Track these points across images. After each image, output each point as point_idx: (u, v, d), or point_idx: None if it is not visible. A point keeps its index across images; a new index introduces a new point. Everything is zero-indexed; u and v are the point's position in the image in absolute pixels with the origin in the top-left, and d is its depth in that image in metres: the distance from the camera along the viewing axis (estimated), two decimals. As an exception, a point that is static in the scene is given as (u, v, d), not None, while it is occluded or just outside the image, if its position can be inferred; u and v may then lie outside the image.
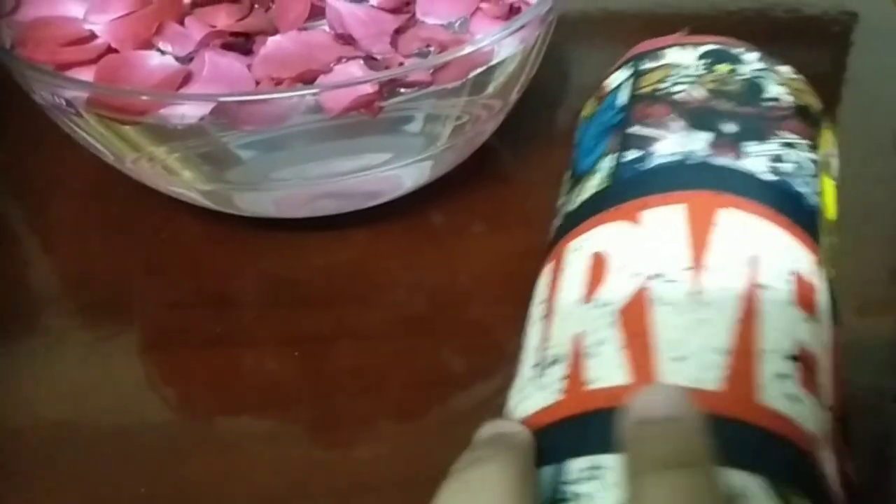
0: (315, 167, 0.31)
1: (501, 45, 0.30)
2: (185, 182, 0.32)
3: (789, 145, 0.19)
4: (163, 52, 0.31)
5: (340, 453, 0.28)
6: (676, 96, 0.20)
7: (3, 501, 0.27)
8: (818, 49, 0.48)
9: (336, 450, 0.28)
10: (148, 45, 0.31)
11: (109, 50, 0.31)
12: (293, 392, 0.30)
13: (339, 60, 0.30)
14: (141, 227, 0.36)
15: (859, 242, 0.36)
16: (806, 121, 0.19)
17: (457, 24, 0.33)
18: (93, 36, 0.31)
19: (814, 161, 0.19)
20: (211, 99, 0.28)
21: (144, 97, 0.28)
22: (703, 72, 0.21)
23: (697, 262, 0.17)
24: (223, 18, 0.32)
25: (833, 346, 0.16)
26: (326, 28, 0.32)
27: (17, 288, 0.34)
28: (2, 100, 0.38)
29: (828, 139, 0.20)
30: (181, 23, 0.32)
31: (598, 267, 0.18)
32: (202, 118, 0.28)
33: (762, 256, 0.16)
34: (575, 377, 0.17)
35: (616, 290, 0.17)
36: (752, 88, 0.20)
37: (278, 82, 0.29)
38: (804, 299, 0.16)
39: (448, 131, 0.32)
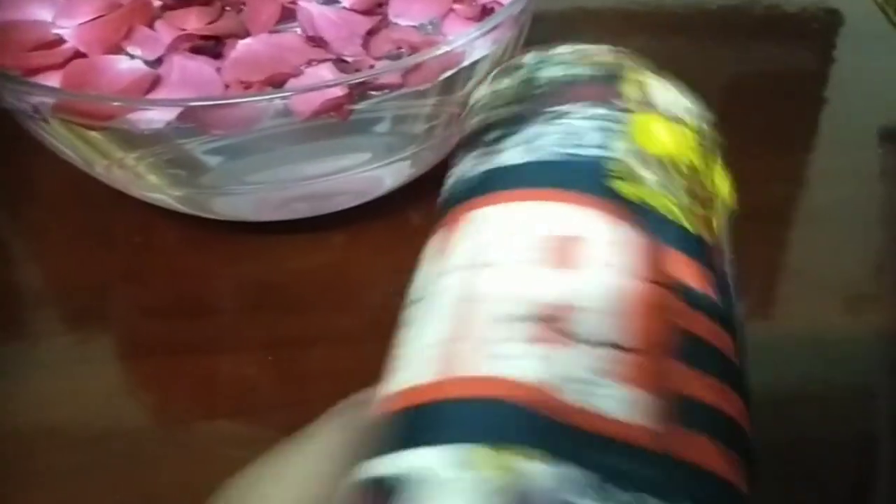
0: (286, 170, 0.31)
1: (473, 47, 0.30)
2: (156, 187, 0.31)
3: (558, 116, 0.19)
4: (132, 57, 0.31)
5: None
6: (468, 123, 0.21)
7: None
8: (799, 46, 0.48)
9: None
10: (117, 49, 0.31)
11: (77, 54, 0.31)
12: (269, 397, 0.30)
13: (309, 63, 0.30)
14: (117, 232, 0.36)
15: (843, 238, 0.36)
16: (594, 82, 0.20)
17: (429, 26, 0.33)
18: (61, 40, 0.31)
19: (604, 115, 0.19)
20: (178, 104, 0.27)
21: (110, 102, 0.28)
22: (489, 91, 0.21)
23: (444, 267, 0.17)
24: (193, 21, 0.32)
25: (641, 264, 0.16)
26: (298, 30, 0.32)
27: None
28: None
29: (640, 82, 0.20)
30: (151, 26, 0.32)
31: None
32: (170, 123, 0.28)
33: (495, 240, 0.17)
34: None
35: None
36: (525, 85, 0.20)
37: (248, 86, 0.29)
38: (559, 256, 0.16)
39: (420, 131, 0.31)
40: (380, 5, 0.33)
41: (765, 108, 0.43)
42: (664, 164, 0.18)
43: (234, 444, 0.28)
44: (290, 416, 0.29)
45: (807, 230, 0.37)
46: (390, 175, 0.33)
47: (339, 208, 0.34)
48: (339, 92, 0.28)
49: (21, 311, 0.33)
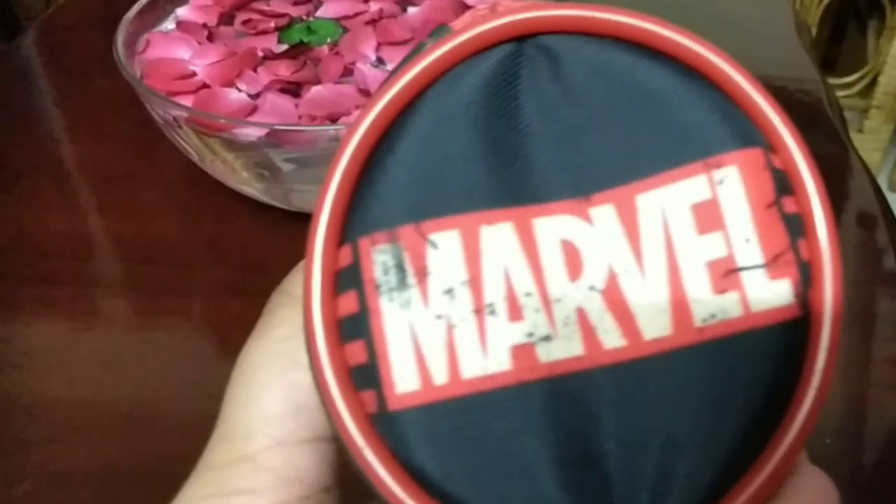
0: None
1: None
2: (246, 180, 0.45)
3: None
4: (239, 90, 0.45)
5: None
6: None
7: (32, 462, 0.37)
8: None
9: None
10: (230, 84, 0.45)
11: (204, 85, 0.45)
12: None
13: (357, 107, 0.44)
14: (209, 212, 0.50)
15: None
16: None
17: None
18: (193, 74, 0.46)
19: None
20: (266, 126, 0.41)
21: (223, 119, 0.42)
22: None
23: None
24: (283, 70, 0.46)
25: None
26: (353, 84, 0.46)
27: (92, 258, 0.48)
28: (109, 113, 0.52)
29: None
30: (255, 70, 0.46)
31: None
32: (259, 137, 0.42)
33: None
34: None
35: None
36: None
37: (313, 118, 0.43)
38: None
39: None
40: (414, 70, 0.47)
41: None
42: None
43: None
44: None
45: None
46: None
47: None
48: (373, 129, 0.41)
49: (111, 267, 0.47)
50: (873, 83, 1.37)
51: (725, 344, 0.17)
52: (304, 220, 0.47)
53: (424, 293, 0.17)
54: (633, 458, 0.17)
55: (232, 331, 0.43)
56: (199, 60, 0.46)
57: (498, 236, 0.17)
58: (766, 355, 0.17)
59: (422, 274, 0.17)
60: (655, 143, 0.18)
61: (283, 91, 0.45)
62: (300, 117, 0.43)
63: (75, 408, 0.39)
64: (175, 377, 0.41)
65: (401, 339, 0.17)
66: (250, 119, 0.43)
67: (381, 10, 0.50)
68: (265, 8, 0.50)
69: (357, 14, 0.49)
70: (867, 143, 1.43)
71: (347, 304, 0.17)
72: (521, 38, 0.18)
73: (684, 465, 0.16)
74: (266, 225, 0.48)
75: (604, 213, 0.17)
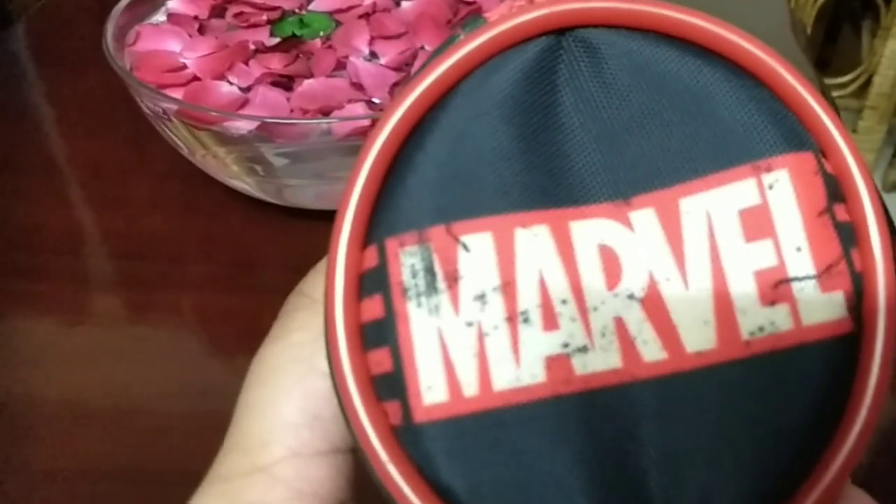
0: (326, 172, 0.44)
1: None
2: (237, 175, 0.45)
3: None
4: (231, 83, 0.45)
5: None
6: None
7: (16, 460, 0.36)
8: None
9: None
10: (221, 77, 0.45)
11: (195, 78, 0.44)
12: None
13: (350, 101, 0.43)
14: (200, 206, 0.49)
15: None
16: None
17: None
18: (184, 67, 0.45)
19: None
20: (258, 119, 0.41)
21: (213, 112, 0.41)
22: None
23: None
24: (275, 63, 0.45)
25: None
26: (346, 77, 0.46)
27: (80, 253, 0.48)
28: (101, 106, 0.52)
29: None
30: (246, 63, 0.46)
31: None
32: (251, 131, 0.41)
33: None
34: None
35: None
36: None
37: (305, 112, 0.42)
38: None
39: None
40: (408, 64, 0.46)
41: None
42: None
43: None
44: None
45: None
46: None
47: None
48: (365, 123, 0.41)
49: (102, 263, 0.46)
50: (867, 83, 1.37)
51: (774, 359, 0.16)
52: (296, 216, 0.47)
53: (455, 299, 0.16)
54: (673, 478, 0.16)
55: (222, 327, 0.42)
56: (189, 53, 0.46)
57: (533, 240, 0.16)
58: (817, 372, 0.16)
59: (452, 278, 0.16)
60: (701, 144, 0.17)
61: (275, 85, 0.44)
62: (292, 111, 0.43)
63: (61, 405, 0.39)
64: (164, 374, 0.41)
65: (429, 347, 0.16)
66: (241, 112, 0.43)
67: (374, 4, 0.49)
68: (257, 1, 0.49)
69: (350, 7, 0.49)
70: (861, 144, 1.43)
71: (372, 308, 0.16)
72: (560, 31, 0.17)
73: (728, 487, 0.16)
74: (258, 220, 0.48)
75: (645, 217, 0.17)
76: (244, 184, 0.46)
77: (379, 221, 0.17)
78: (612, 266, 0.17)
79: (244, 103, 0.43)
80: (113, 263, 0.47)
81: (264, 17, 0.48)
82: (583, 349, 0.16)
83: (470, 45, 0.17)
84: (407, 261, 0.16)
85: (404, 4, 0.50)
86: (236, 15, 0.49)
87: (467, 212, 0.16)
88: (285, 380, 0.18)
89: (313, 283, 0.19)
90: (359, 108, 0.43)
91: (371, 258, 0.17)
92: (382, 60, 0.46)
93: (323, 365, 0.17)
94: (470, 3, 0.50)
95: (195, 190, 0.49)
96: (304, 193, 0.46)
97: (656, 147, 0.17)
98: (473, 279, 0.16)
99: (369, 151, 0.17)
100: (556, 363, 0.16)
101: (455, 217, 0.16)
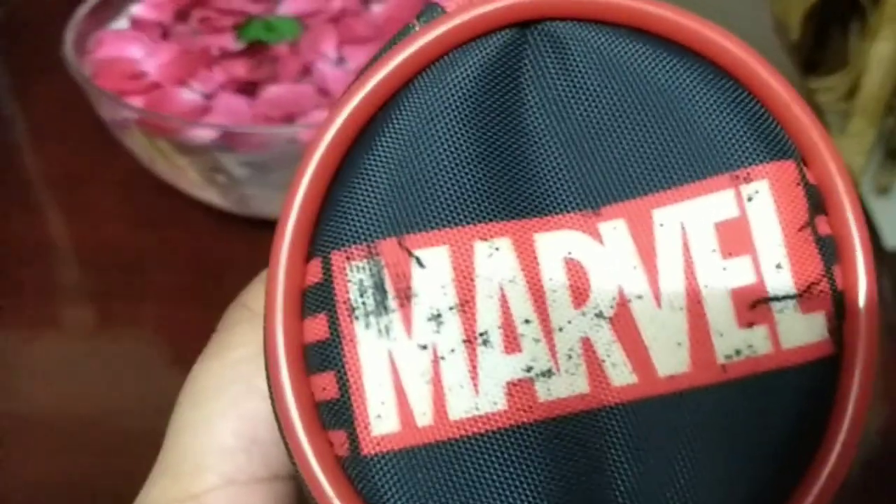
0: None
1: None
2: (199, 185, 0.43)
3: None
4: (193, 91, 0.43)
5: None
6: None
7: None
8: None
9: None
10: (184, 84, 0.43)
11: (156, 85, 0.43)
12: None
13: (316, 107, 0.42)
14: (160, 216, 0.48)
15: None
16: None
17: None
18: (145, 74, 0.44)
19: None
20: (219, 127, 0.39)
21: (174, 121, 0.40)
22: None
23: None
24: (240, 69, 0.44)
25: None
26: (313, 83, 0.44)
27: (40, 263, 0.46)
28: (66, 111, 0.50)
29: None
30: (210, 69, 0.44)
31: None
32: (213, 140, 0.40)
33: None
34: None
35: None
36: None
37: (269, 119, 0.41)
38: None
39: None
40: (377, 70, 0.45)
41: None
42: None
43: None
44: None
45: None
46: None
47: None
48: (330, 130, 0.39)
49: (62, 274, 0.45)
50: (856, 86, 1.36)
51: (751, 384, 0.15)
52: (262, 226, 0.45)
53: (407, 319, 0.15)
54: None
55: (184, 340, 0.41)
56: (150, 60, 0.44)
57: (494, 254, 0.15)
58: (797, 397, 0.15)
59: (405, 296, 0.15)
60: (676, 151, 0.15)
61: (240, 92, 0.43)
62: (256, 118, 0.42)
63: (15, 420, 0.37)
64: (123, 388, 0.39)
65: (378, 372, 0.15)
66: (202, 121, 0.41)
67: (343, 8, 0.48)
68: (223, 5, 0.48)
69: (318, 11, 0.48)
70: (852, 147, 1.42)
71: (316, 328, 0.15)
72: (525, 24, 0.16)
73: None
74: (223, 230, 0.47)
75: (615, 228, 0.15)
76: (207, 194, 0.44)
77: (323, 232, 0.15)
78: (579, 282, 0.15)
79: (206, 111, 0.42)
80: (74, 274, 0.45)
81: (230, 22, 0.47)
82: (547, 373, 0.15)
83: (425, 38, 0.15)
84: (355, 276, 0.15)
85: (374, 8, 0.49)
86: (201, 20, 0.47)
87: (422, 224, 0.15)
88: (221, 400, 0.17)
89: (255, 295, 0.18)
90: (324, 115, 0.42)
91: (315, 272, 0.15)
92: (351, 65, 0.45)
93: (263, 385, 0.16)
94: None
95: (159, 199, 0.48)
96: (270, 203, 0.45)
97: (628, 153, 0.16)
98: (428, 297, 0.15)
99: (313, 154, 0.15)
100: (518, 389, 0.15)
101: (408, 229, 0.15)
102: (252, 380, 0.17)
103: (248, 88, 0.43)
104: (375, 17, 0.48)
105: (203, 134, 0.39)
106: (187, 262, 0.45)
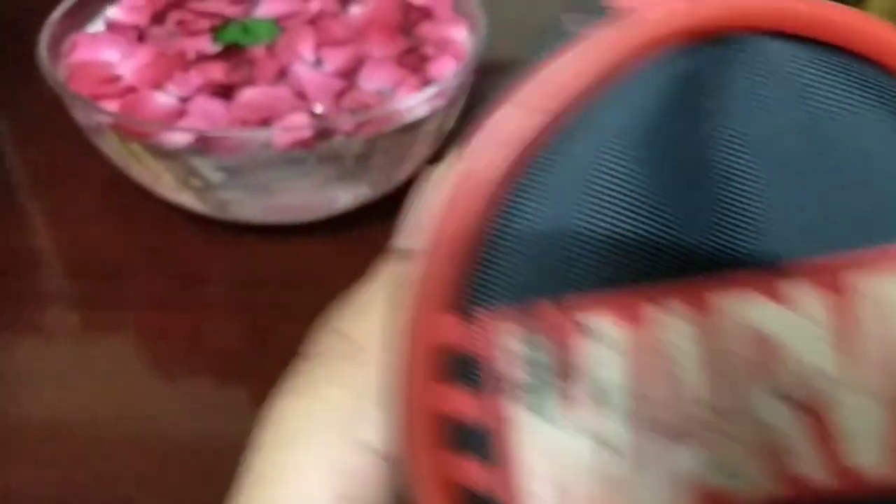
0: (268, 186, 0.42)
1: (414, 109, 0.41)
2: (175, 189, 0.43)
3: None
4: (168, 94, 0.43)
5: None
6: None
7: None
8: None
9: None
10: (160, 87, 0.43)
11: (131, 89, 0.43)
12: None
13: (292, 110, 0.42)
14: (138, 221, 0.47)
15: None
16: None
17: (387, 91, 0.45)
18: (120, 77, 0.43)
19: None
20: (195, 131, 0.39)
21: (149, 125, 0.40)
22: None
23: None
24: (216, 72, 0.44)
25: None
26: (289, 86, 0.44)
27: (21, 269, 0.45)
28: (47, 113, 0.50)
29: None
30: (186, 72, 0.44)
31: None
32: (189, 144, 0.39)
33: None
34: None
35: None
36: None
37: (245, 123, 0.41)
38: None
39: (372, 165, 0.43)
40: (354, 71, 0.45)
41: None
42: None
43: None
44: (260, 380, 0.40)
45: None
46: (347, 194, 0.44)
47: (311, 219, 0.45)
48: (307, 133, 0.39)
49: (42, 279, 0.45)
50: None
51: None
52: (243, 230, 0.45)
53: (569, 399, 0.13)
54: None
55: (163, 345, 0.41)
56: (125, 63, 0.44)
57: (666, 322, 0.13)
58: None
59: (568, 372, 0.13)
60: (880, 203, 0.13)
61: (216, 95, 0.43)
62: (232, 122, 0.41)
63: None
64: (104, 396, 0.39)
65: (539, 465, 0.13)
66: (179, 124, 0.41)
67: (321, 10, 0.47)
68: (199, 8, 0.48)
69: (296, 13, 0.47)
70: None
71: (458, 400, 0.13)
72: (719, 37, 0.13)
73: None
74: (204, 234, 0.46)
75: (804, 292, 0.13)
76: (185, 199, 0.44)
77: (469, 282, 0.13)
78: (766, 357, 0.13)
79: (181, 115, 0.42)
80: (51, 279, 0.45)
81: (207, 25, 0.46)
82: (725, 468, 0.13)
83: (597, 46, 0.13)
84: (509, 344, 0.13)
85: (353, 10, 0.48)
86: (178, 23, 0.47)
87: (583, 282, 0.13)
88: (312, 448, 0.15)
89: (355, 323, 0.16)
90: (301, 118, 0.41)
91: (456, 330, 0.13)
92: (328, 68, 0.45)
93: (362, 435, 0.14)
94: (422, 9, 0.49)
95: (141, 203, 0.48)
96: (249, 208, 0.44)
97: (821, 201, 0.13)
98: (595, 375, 0.13)
99: (460, 183, 0.13)
100: (694, 488, 0.13)
101: (567, 287, 0.13)
102: (348, 426, 0.15)
103: (225, 92, 0.43)
104: (354, 18, 0.47)
105: (177, 138, 0.39)
106: (168, 267, 0.45)
